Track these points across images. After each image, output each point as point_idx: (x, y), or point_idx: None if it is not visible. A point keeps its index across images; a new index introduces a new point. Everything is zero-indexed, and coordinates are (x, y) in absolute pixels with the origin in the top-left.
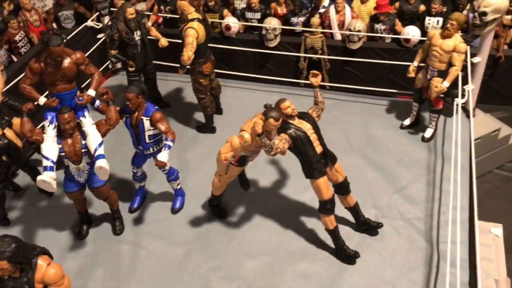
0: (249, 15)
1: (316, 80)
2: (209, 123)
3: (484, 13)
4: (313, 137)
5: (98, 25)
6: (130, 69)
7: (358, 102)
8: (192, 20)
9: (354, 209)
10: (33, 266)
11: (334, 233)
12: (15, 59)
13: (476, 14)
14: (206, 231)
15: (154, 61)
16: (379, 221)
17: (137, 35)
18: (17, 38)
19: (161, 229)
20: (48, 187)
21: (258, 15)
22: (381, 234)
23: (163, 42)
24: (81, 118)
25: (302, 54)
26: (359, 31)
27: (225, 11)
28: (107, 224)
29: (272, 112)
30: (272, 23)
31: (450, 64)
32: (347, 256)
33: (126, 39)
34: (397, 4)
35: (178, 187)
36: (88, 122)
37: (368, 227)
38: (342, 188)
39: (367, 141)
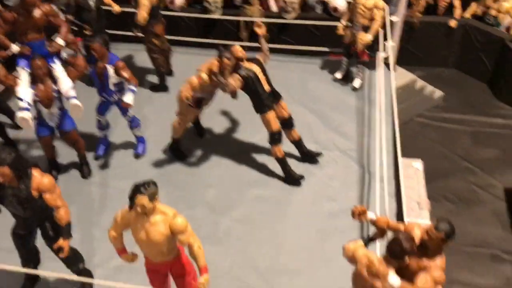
0: None
1: (260, 31)
2: (162, 82)
3: None
4: (261, 77)
5: None
6: (87, 33)
7: (294, 62)
8: None
9: (298, 143)
10: (29, 175)
11: (282, 161)
12: None
13: None
14: (168, 170)
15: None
16: (318, 152)
17: (91, 1)
18: None
19: (127, 171)
20: (26, 125)
21: None
22: (321, 163)
23: (116, 8)
24: (51, 64)
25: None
26: (293, 2)
27: None
28: (75, 170)
29: (226, 53)
30: None
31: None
32: (294, 179)
33: (82, 4)
34: None
35: (140, 134)
36: (58, 68)
37: (310, 157)
38: (288, 123)
39: (305, 92)
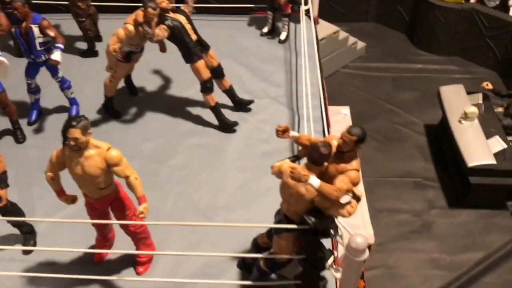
0: None
1: None
2: (91, 47)
3: None
4: (188, 27)
5: None
6: None
7: (222, 20)
8: None
9: (230, 91)
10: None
11: (215, 109)
12: None
13: None
14: (104, 128)
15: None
16: (250, 99)
17: None
18: None
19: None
20: None
21: None
22: (254, 110)
23: None
24: None
25: None
26: None
27: None
28: (9, 135)
29: (150, 3)
30: None
31: None
32: (227, 125)
33: None
34: None
35: (72, 95)
36: None
37: (243, 105)
38: (218, 72)
39: (234, 48)
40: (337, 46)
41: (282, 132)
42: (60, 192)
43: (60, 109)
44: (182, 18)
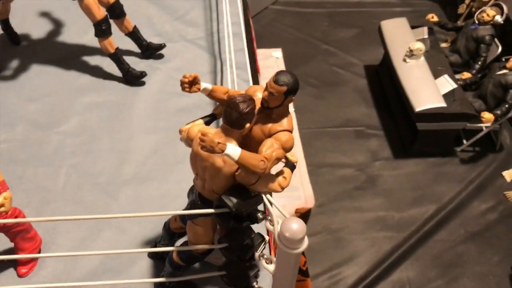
0: None
1: None
2: None
3: None
4: None
5: None
6: None
7: None
8: None
9: (134, 34)
10: None
11: (116, 56)
12: None
13: None
14: None
15: None
16: (161, 44)
17: None
18: None
19: None
20: None
21: None
22: (166, 56)
23: None
24: None
25: None
26: None
27: None
28: None
29: None
30: None
31: None
32: (134, 77)
33: None
34: None
35: None
36: None
37: (152, 51)
38: (116, 9)
39: None
40: None
41: (189, 85)
42: None
43: None
44: None
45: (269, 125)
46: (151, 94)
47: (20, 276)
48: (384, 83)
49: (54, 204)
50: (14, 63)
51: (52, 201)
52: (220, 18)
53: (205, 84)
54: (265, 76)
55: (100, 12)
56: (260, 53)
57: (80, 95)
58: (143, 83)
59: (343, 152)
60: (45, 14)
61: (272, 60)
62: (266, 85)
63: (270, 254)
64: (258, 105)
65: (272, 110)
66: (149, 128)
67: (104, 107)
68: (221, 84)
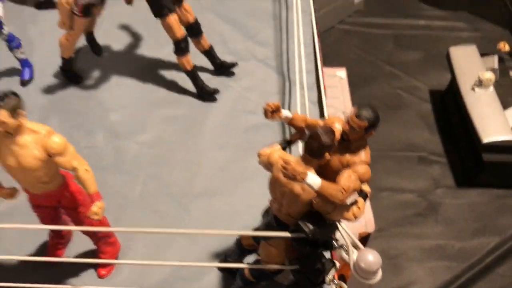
0: None
1: None
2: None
3: None
4: None
5: None
6: None
7: None
8: None
9: (209, 52)
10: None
11: (192, 73)
12: None
13: None
14: (61, 96)
15: None
16: (233, 62)
17: None
18: None
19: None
20: None
21: None
22: (238, 75)
23: None
24: None
25: None
26: None
27: None
28: None
29: None
30: None
31: None
32: (207, 93)
33: None
34: None
35: (23, 56)
36: None
37: (225, 69)
38: (194, 29)
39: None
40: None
41: (271, 112)
42: None
43: (10, 71)
44: None
45: (348, 156)
46: (223, 111)
47: (99, 277)
48: (450, 109)
49: (131, 210)
50: (96, 74)
51: (129, 208)
52: (290, 38)
53: (286, 112)
54: (329, 95)
55: (181, 31)
56: (325, 71)
57: (157, 108)
58: (215, 100)
59: (405, 177)
60: (126, 27)
61: (336, 80)
62: (347, 119)
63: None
64: (337, 136)
65: (351, 142)
66: (219, 144)
67: (178, 120)
68: (289, 104)
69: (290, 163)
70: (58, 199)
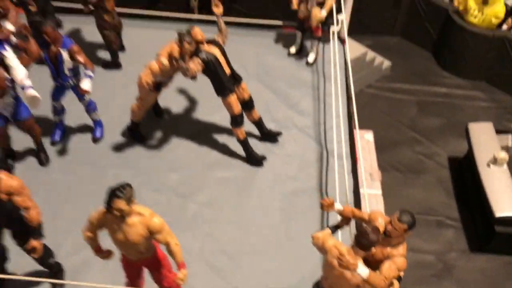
0: None
1: (218, 10)
2: (114, 58)
3: None
4: (222, 60)
5: None
6: (31, 8)
7: (248, 36)
8: None
9: (258, 123)
10: None
11: (244, 143)
12: None
13: None
14: (128, 153)
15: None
16: (278, 131)
17: None
18: None
19: (86, 156)
20: None
21: None
22: (281, 142)
23: None
24: (2, 52)
25: None
26: None
27: None
28: (32, 157)
29: (186, 37)
30: None
31: None
32: (256, 160)
33: None
34: None
35: (97, 117)
36: (10, 55)
37: (270, 137)
38: (248, 104)
39: (260, 68)
40: (363, 66)
41: (327, 206)
42: (98, 250)
43: (83, 129)
44: (216, 51)
45: (389, 249)
46: (268, 176)
47: None
48: (466, 178)
49: (192, 265)
50: (158, 134)
51: (190, 262)
52: (328, 109)
53: (338, 206)
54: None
55: (238, 108)
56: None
57: (211, 170)
58: (262, 165)
59: (423, 239)
60: (184, 92)
61: (364, 142)
62: (391, 222)
63: None
64: (381, 229)
65: (392, 238)
66: (266, 206)
67: (230, 183)
68: (326, 173)
69: (344, 255)
70: (147, 263)
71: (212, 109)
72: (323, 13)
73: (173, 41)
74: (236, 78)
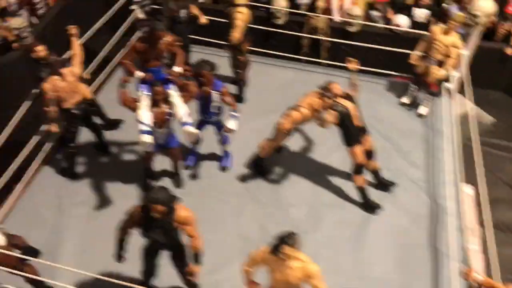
0: None
1: (353, 66)
2: (241, 93)
3: (476, 16)
4: (354, 113)
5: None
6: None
7: (361, 81)
8: (240, 5)
9: (376, 172)
10: (174, 209)
11: (362, 189)
12: (33, 20)
13: (469, 15)
14: (252, 185)
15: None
16: (392, 181)
17: (182, 13)
18: None
19: (215, 183)
20: (147, 147)
21: None
22: (394, 191)
23: (203, 20)
24: (168, 90)
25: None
26: (357, 16)
27: None
28: (168, 180)
29: (328, 94)
30: (280, 3)
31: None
32: (371, 207)
33: (175, 18)
34: None
35: (228, 149)
36: (174, 94)
37: (384, 186)
38: (370, 154)
39: (373, 115)
40: (467, 121)
41: (467, 275)
42: (251, 284)
43: (212, 157)
44: (350, 105)
45: None
46: (381, 224)
47: None
48: None
49: None
50: (278, 170)
51: None
52: (437, 163)
53: (476, 275)
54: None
55: (362, 158)
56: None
57: (327, 209)
58: (375, 213)
59: None
60: (304, 131)
61: (463, 195)
62: None
63: None
64: None
65: None
66: (379, 256)
67: (345, 225)
68: (436, 227)
69: None
70: None
71: (330, 150)
72: (443, 72)
73: (313, 94)
74: (363, 130)
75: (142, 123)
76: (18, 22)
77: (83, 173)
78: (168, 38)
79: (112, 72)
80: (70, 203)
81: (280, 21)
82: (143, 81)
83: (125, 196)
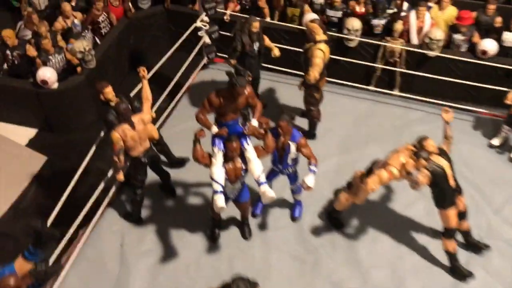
0: (330, 12)
1: (448, 117)
2: (312, 130)
3: None
4: (449, 172)
5: (205, 26)
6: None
7: (438, 115)
8: (320, 41)
9: (467, 232)
10: None
11: (451, 255)
12: (97, 40)
13: None
14: (328, 240)
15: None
16: (485, 243)
17: (255, 46)
18: (100, 19)
19: (286, 235)
20: (219, 209)
21: (339, 14)
22: (486, 254)
23: (276, 52)
24: (244, 145)
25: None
26: (439, 40)
27: (306, 7)
28: (235, 228)
29: (423, 153)
30: (355, 24)
31: None
32: (462, 275)
33: (248, 51)
34: (474, 13)
35: (299, 198)
36: (250, 148)
37: (476, 248)
38: (462, 215)
39: (459, 158)
40: None
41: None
42: None
43: (282, 204)
44: (444, 163)
45: None
46: None
47: None
48: None
49: None
50: (355, 223)
51: None
52: None
53: None
54: None
55: (455, 222)
56: None
57: (412, 274)
58: (465, 280)
59: None
60: None
61: None
62: None
63: None
64: None
65: None
66: None
67: None
68: None
69: None
70: None
71: (408, 202)
72: None
73: (404, 151)
74: (458, 190)
75: (215, 181)
76: (83, 44)
77: (148, 218)
78: (247, 90)
79: (179, 99)
80: (133, 253)
81: (352, 44)
82: (218, 135)
83: (190, 247)
